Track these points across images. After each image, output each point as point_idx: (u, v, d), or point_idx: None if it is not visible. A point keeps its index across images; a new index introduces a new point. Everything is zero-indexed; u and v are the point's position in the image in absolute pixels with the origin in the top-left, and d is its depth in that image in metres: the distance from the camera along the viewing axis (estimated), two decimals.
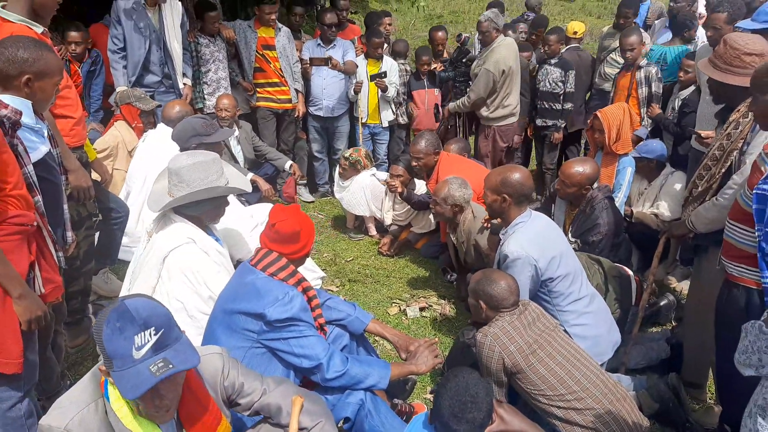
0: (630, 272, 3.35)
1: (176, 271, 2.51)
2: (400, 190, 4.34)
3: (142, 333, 1.49)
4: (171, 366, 1.48)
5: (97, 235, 3.51)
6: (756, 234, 1.97)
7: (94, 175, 3.33)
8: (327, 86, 5.43)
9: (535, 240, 2.75)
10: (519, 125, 5.29)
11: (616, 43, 5.27)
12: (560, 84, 5.19)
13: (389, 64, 5.52)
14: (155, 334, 1.50)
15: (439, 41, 5.87)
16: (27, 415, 2.10)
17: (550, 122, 5.32)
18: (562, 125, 5.31)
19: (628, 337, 3.06)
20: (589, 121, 4.19)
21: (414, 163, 4.30)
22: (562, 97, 5.23)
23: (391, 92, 5.49)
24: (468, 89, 5.19)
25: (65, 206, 2.51)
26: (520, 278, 2.64)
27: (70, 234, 2.56)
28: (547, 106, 5.28)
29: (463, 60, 5.49)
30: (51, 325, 2.31)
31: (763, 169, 2.03)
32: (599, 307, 2.90)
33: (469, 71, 5.30)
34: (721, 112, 2.72)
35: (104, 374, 1.55)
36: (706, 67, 2.66)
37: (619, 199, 4.01)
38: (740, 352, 1.54)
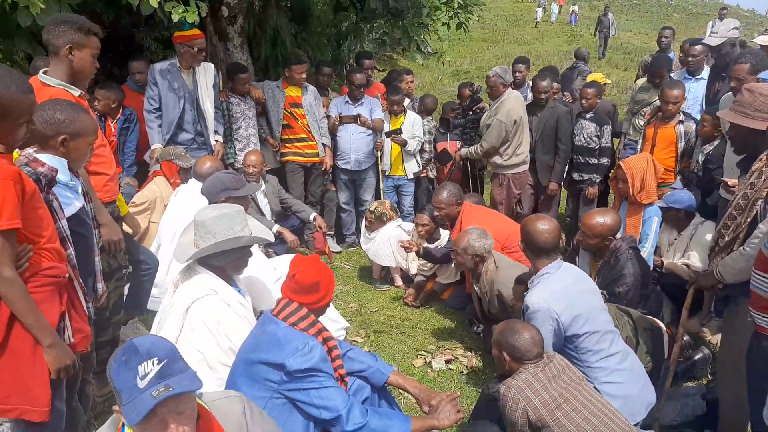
0: (661, 324, 3.26)
1: (198, 321, 2.55)
2: (416, 249, 4.34)
3: (146, 362, 1.53)
4: (171, 389, 1.50)
5: (127, 286, 3.60)
6: None
7: (126, 228, 3.45)
8: (354, 141, 5.58)
9: (561, 294, 2.69)
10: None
11: (652, 98, 5.27)
12: (595, 139, 5.15)
13: (412, 118, 5.65)
14: (158, 363, 1.53)
15: (467, 96, 6.03)
16: None
17: (586, 176, 5.27)
18: (597, 180, 5.26)
19: (660, 392, 2.95)
20: (612, 171, 4.17)
21: (436, 213, 4.35)
22: (597, 152, 5.18)
23: (412, 146, 5.59)
24: (482, 137, 5.27)
25: (97, 258, 2.61)
26: (541, 330, 2.59)
27: (100, 285, 2.64)
28: (582, 160, 5.25)
29: (474, 108, 5.63)
30: (79, 374, 2.36)
31: None
32: (632, 364, 2.79)
33: (479, 119, 5.41)
34: (743, 162, 2.69)
35: (118, 413, 1.58)
36: (733, 117, 2.63)
37: (647, 250, 3.94)
38: None
